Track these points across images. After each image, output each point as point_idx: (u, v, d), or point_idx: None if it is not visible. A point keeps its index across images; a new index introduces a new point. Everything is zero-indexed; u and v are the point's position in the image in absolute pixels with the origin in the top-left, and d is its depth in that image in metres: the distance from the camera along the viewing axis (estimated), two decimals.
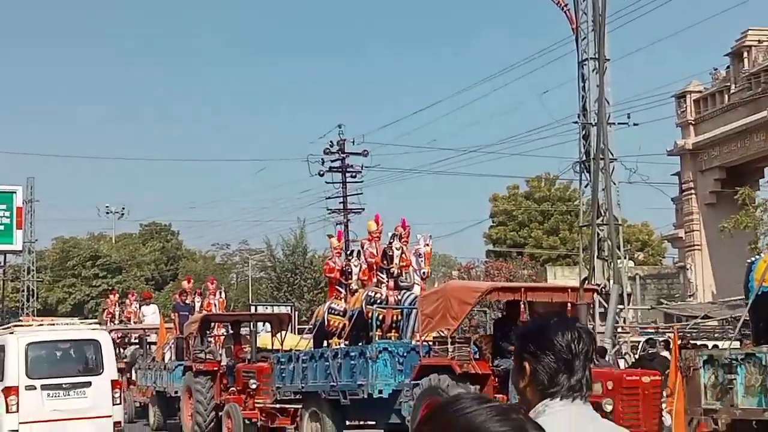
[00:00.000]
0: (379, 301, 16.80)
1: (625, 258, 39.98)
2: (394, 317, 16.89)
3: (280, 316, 22.25)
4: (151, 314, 32.73)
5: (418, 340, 15.62)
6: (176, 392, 23.18)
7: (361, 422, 17.03)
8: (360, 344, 16.98)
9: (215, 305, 26.23)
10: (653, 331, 26.01)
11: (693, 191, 38.43)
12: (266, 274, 58.27)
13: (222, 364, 21.01)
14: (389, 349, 16.08)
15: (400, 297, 16.89)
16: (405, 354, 16.07)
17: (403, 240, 16.94)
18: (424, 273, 17.02)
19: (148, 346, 28.90)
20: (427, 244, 17.14)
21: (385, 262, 17.01)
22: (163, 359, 26.30)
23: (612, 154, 38.66)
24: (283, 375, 18.29)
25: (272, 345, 20.99)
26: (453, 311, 14.65)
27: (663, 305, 35.81)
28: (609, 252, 36.47)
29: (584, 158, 39.58)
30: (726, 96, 36.65)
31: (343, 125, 48.04)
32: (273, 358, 18.64)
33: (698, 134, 38.18)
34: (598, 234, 37.80)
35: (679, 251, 40.46)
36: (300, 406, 17.64)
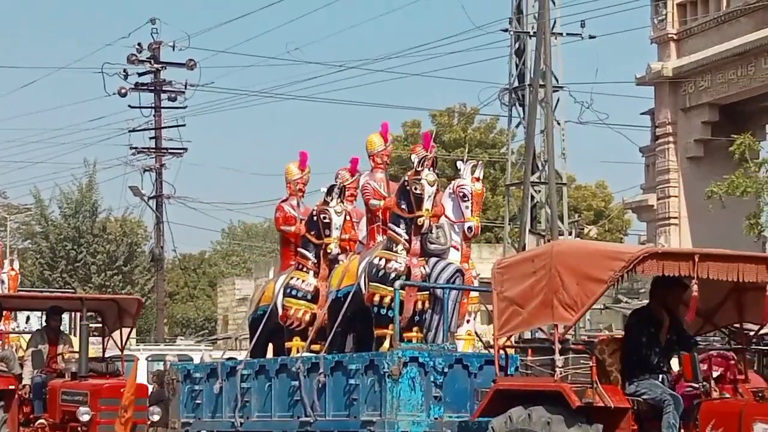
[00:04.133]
0: (394, 274, 12.40)
1: (571, 233, 37.08)
2: (419, 304, 12.51)
3: (124, 303, 17.99)
4: None
5: (491, 345, 11.65)
6: None
7: None
8: (345, 348, 13.18)
9: (3, 282, 21.41)
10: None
11: (671, 139, 35.41)
12: (33, 244, 52.67)
13: (24, 379, 16.92)
14: (420, 359, 11.79)
15: (429, 269, 12.53)
16: (447, 368, 11.97)
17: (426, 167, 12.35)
18: (470, 229, 12.44)
19: None
20: (478, 179, 12.50)
21: (404, 206, 12.34)
22: None
23: (556, 80, 35.73)
24: (196, 402, 13.98)
25: (104, 351, 17.80)
26: (568, 294, 10.60)
27: (622, 304, 32.99)
28: (548, 224, 33.44)
29: (516, 84, 36.53)
30: (723, 1, 33.48)
31: (159, 21, 43.46)
32: (172, 371, 13.93)
33: (682, 55, 35.44)
34: (533, 197, 34.86)
35: (649, 225, 37.39)
36: None
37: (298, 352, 13.19)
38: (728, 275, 10.40)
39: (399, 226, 12.53)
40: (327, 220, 13.20)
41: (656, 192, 36.43)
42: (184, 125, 43.49)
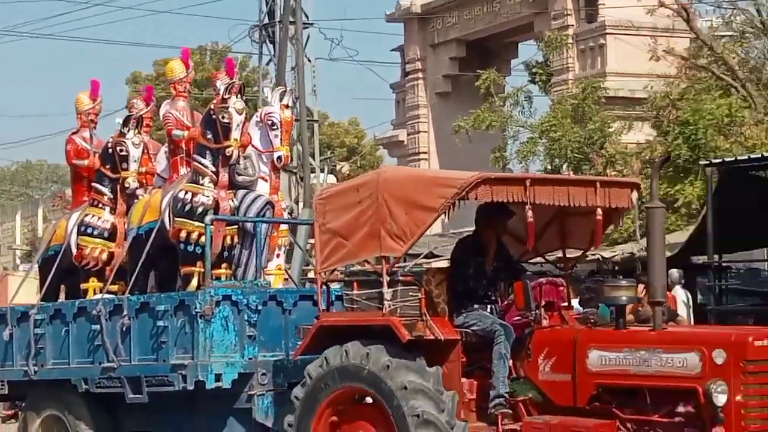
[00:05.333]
0: (201, 209, 11.44)
1: (323, 170, 36.53)
2: (228, 239, 11.56)
3: None
4: None
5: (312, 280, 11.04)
6: None
7: None
8: (147, 288, 12.03)
9: None
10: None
11: (421, 75, 35.25)
12: None
13: None
14: (233, 297, 10.86)
15: (237, 202, 11.62)
16: (260, 306, 11.05)
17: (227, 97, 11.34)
18: (279, 158, 11.51)
19: None
20: (287, 106, 11.57)
21: (210, 136, 11.36)
22: None
23: (306, 17, 35.23)
24: None
25: None
26: (396, 224, 9.84)
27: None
28: (299, 161, 32.81)
29: (266, 21, 35.58)
30: None
31: None
32: None
33: None
34: None
35: (400, 161, 37.18)
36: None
37: (95, 293, 12.05)
38: (559, 200, 9.86)
39: (205, 158, 11.53)
40: (124, 153, 12.02)
41: (406, 128, 36.28)
42: None
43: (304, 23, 33.48)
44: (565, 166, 28.42)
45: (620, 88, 30.74)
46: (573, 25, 31.53)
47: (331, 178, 38.32)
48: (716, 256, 20.20)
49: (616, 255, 23.05)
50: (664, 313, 9.92)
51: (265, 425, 10.76)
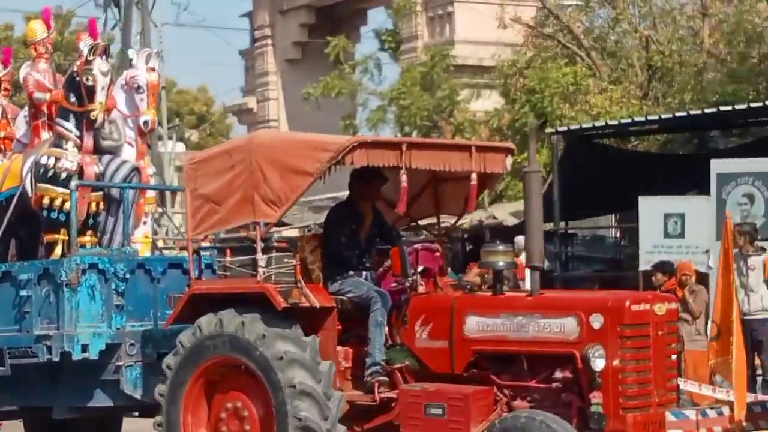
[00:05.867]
0: (65, 174, 10.96)
1: (171, 138, 35.79)
2: (93, 206, 11.13)
3: None
4: None
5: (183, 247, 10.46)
6: None
7: (26, 406, 11.07)
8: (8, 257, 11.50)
9: None
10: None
11: (270, 41, 34.80)
12: None
13: None
14: (100, 265, 10.45)
15: (103, 167, 11.16)
16: (128, 274, 10.64)
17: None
18: (146, 123, 11.07)
19: None
20: (153, 69, 11.11)
21: (73, 99, 10.95)
22: None
23: None
24: None
25: None
26: (271, 189, 9.57)
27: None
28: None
29: None
30: None
31: None
32: None
33: None
34: None
35: (249, 128, 36.72)
36: None
37: None
38: (435, 164, 9.68)
39: (68, 121, 11.01)
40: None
41: (256, 95, 35.82)
42: None
43: None
44: (414, 134, 28.35)
45: (468, 56, 30.78)
46: None
47: (180, 146, 37.64)
48: (562, 223, 20.44)
49: (464, 223, 23.07)
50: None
51: (133, 396, 10.36)
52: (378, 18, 45.82)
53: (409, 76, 29.33)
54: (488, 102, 29.54)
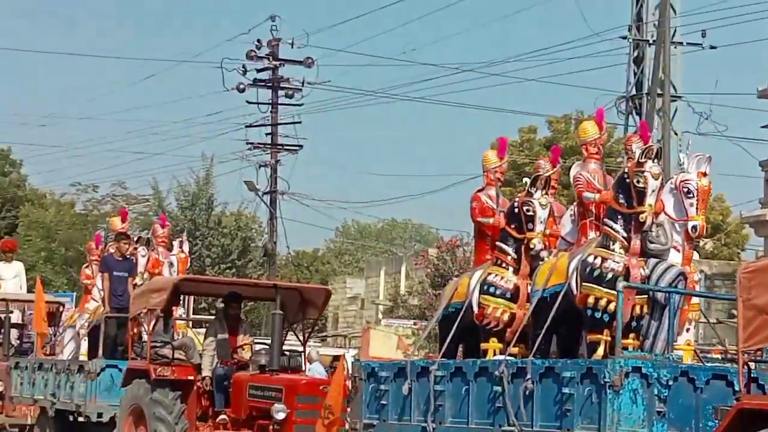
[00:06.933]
0: (611, 275, 10.73)
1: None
2: (637, 308, 10.80)
3: (309, 293, 15.54)
4: (12, 278, 25.16)
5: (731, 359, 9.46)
6: (100, 415, 17.15)
7: None
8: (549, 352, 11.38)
9: (173, 264, 19.20)
10: (720, 356, 19.69)
11: None
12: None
13: (204, 370, 14.72)
14: (643, 369, 10.08)
15: (648, 270, 10.86)
16: (671, 381, 10.13)
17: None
18: (694, 228, 10.66)
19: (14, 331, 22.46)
20: (704, 174, 10.73)
21: (622, 200, 10.79)
22: (56, 353, 20.16)
23: (675, 89, 34.06)
24: (381, 402, 12.20)
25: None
26: None
27: (735, 319, 30.82)
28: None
29: (634, 92, 34.60)
30: None
31: (279, 18, 41.15)
32: (356, 368, 12.27)
33: None
34: None
35: (766, 240, 35.13)
36: None
37: (494, 354, 11.44)
38: None
39: (616, 223, 10.81)
40: (531, 213, 11.43)
41: None
42: (300, 122, 41.73)
43: (672, 96, 32.46)
44: None
45: None
46: None
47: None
48: None
49: None
50: None
51: None
52: None
53: None
54: None
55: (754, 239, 41.97)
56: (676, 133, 33.12)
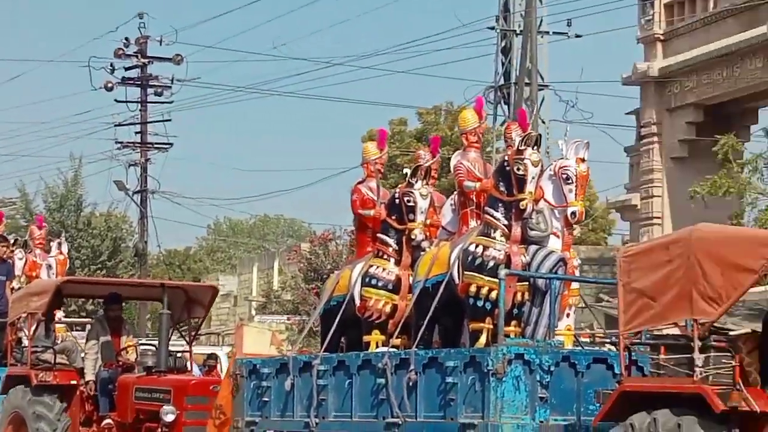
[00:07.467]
0: (492, 263, 10.58)
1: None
2: (518, 296, 10.70)
3: (194, 292, 15.35)
4: None
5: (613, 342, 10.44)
6: None
7: None
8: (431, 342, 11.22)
9: (51, 267, 18.77)
10: (587, 340, 19.93)
11: (656, 139, 33.69)
12: (20, 236, 49.91)
13: (87, 374, 14.43)
14: (526, 356, 10.00)
15: (529, 257, 10.75)
16: (553, 367, 10.10)
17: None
18: (573, 214, 10.65)
19: None
20: (582, 159, 10.66)
21: (503, 188, 10.66)
22: None
23: (542, 78, 34.12)
24: (263, 399, 11.98)
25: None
26: (711, 286, 8.87)
27: (605, 303, 31.38)
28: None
29: (502, 82, 34.84)
30: (711, 2, 31.89)
31: (147, 15, 40.79)
32: (236, 366, 12.03)
33: (668, 55, 33.36)
34: None
35: (632, 225, 35.64)
36: None
37: (377, 346, 11.29)
38: None
39: (497, 211, 10.70)
40: (411, 204, 11.30)
41: (640, 192, 34.72)
42: (170, 120, 41.40)
43: (539, 85, 32.76)
44: None
45: None
46: None
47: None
48: None
49: None
50: None
51: None
52: None
53: None
54: None
55: (620, 224, 42.63)
56: (543, 122, 33.48)
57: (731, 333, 9.40)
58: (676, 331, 9.75)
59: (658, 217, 34.27)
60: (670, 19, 33.81)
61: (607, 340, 16.14)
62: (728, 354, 8.86)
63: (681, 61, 32.82)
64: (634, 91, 34.92)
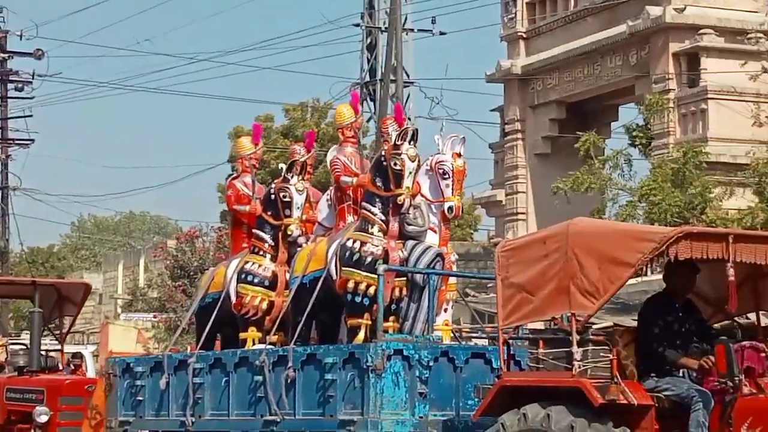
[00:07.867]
0: (370, 258, 10.49)
1: None
2: (396, 291, 10.59)
3: (66, 289, 14.96)
4: None
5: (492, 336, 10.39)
6: None
7: None
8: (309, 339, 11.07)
9: None
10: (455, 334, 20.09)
11: (520, 136, 34.11)
12: None
13: None
14: (405, 352, 9.90)
15: (407, 252, 10.62)
16: (432, 362, 10.02)
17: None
18: (450, 209, 10.53)
19: None
20: (459, 155, 10.58)
21: (380, 183, 10.51)
22: None
23: (407, 75, 34.48)
24: (137, 399, 11.70)
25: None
26: (588, 280, 8.89)
27: (470, 299, 31.56)
28: None
29: (368, 79, 34.83)
30: (571, 1, 32.43)
31: (6, 9, 40.15)
32: (109, 364, 11.70)
33: (531, 53, 34.10)
34: None
35: (497, 221, 35.94)
36: None
37: (254, 343, 11.07)
38: (762, 258, 8.80)
39: (374, 206, 10.59)
40: (287, 199, 11.11)
41: (504, 188, 35.08)
42: (31, 116, 40.57)
43: (405, 82, 32.97)
44: None
45: (722, 153, 29.47)
46: (674, 89, 30.31)
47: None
48: None
49: None
50: None
51: None
52: (629, 114, 45.05)
53: (660, 172, 28.22)
54: (741, 200, 28.12)
55: (486, 220, 42.96)
56: (409, 119, 33.44)
57: (595, 327, 9.45)
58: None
59: (523, 213, 34.67)
60: (533, 17, 34.27)
61: (475, 335, 16.20)
62: (606, 348, 8.88)
63: (543, 59, 33.31)
64: (498, 89, 35.34)
